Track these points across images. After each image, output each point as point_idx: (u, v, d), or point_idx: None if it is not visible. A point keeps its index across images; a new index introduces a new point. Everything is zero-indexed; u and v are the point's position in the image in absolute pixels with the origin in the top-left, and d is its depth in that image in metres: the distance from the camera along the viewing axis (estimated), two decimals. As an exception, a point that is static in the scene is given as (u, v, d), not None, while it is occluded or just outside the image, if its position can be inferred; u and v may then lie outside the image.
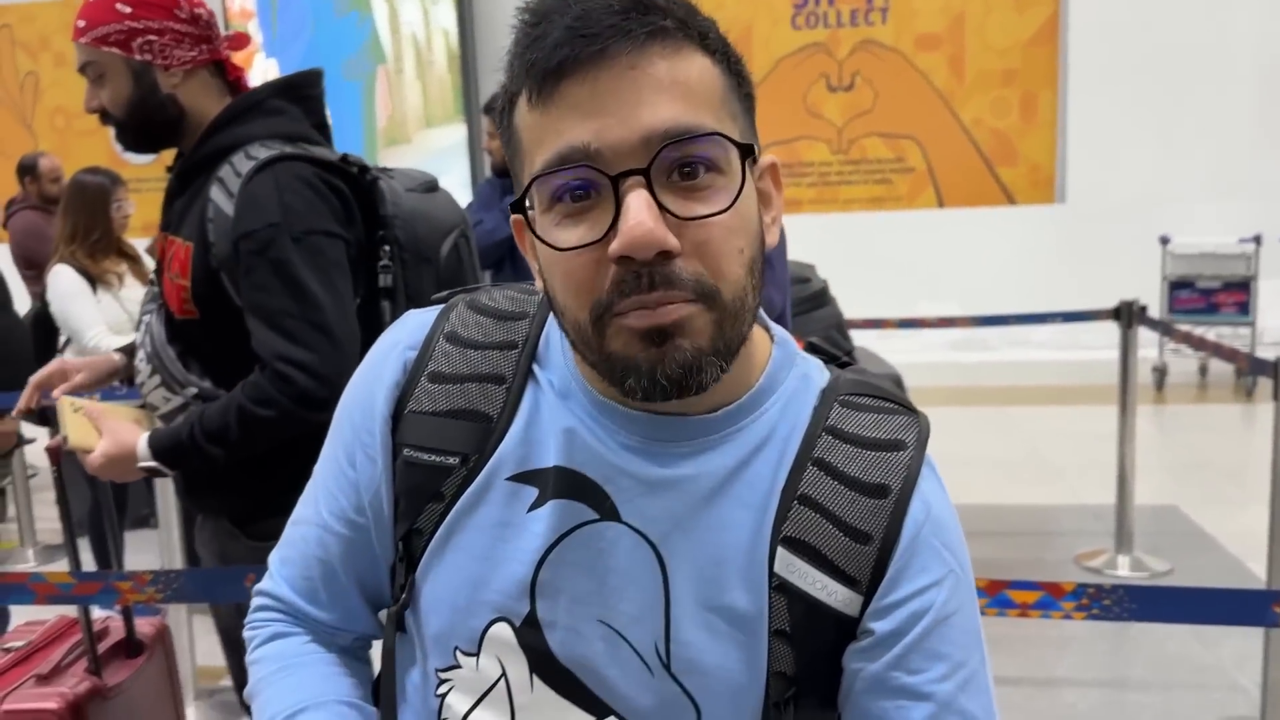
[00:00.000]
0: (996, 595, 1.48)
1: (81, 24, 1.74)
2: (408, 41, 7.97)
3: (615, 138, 0.73)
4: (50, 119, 8.47)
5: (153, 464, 1.70)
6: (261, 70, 7.82)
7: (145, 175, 7.15)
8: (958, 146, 7.89)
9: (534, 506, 0.84)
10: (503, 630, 0.84)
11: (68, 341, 3.66)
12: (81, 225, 3.67)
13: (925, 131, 7.90)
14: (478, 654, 0.85)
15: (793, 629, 0.81)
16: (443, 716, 0.88)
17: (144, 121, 1.77)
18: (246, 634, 0.98)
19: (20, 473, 4.47)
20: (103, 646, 2.13)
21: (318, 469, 0.96)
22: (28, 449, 4.39)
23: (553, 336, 0.88)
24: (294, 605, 0.96)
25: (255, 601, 0.99)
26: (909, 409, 0.87)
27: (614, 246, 0.73)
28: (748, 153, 0.77)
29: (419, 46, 7.96)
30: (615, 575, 0.82)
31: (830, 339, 0.99)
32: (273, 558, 0.99)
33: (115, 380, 2.03)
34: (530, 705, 0.84)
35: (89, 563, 3.91)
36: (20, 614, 2.91)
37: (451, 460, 0.86)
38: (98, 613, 2.14)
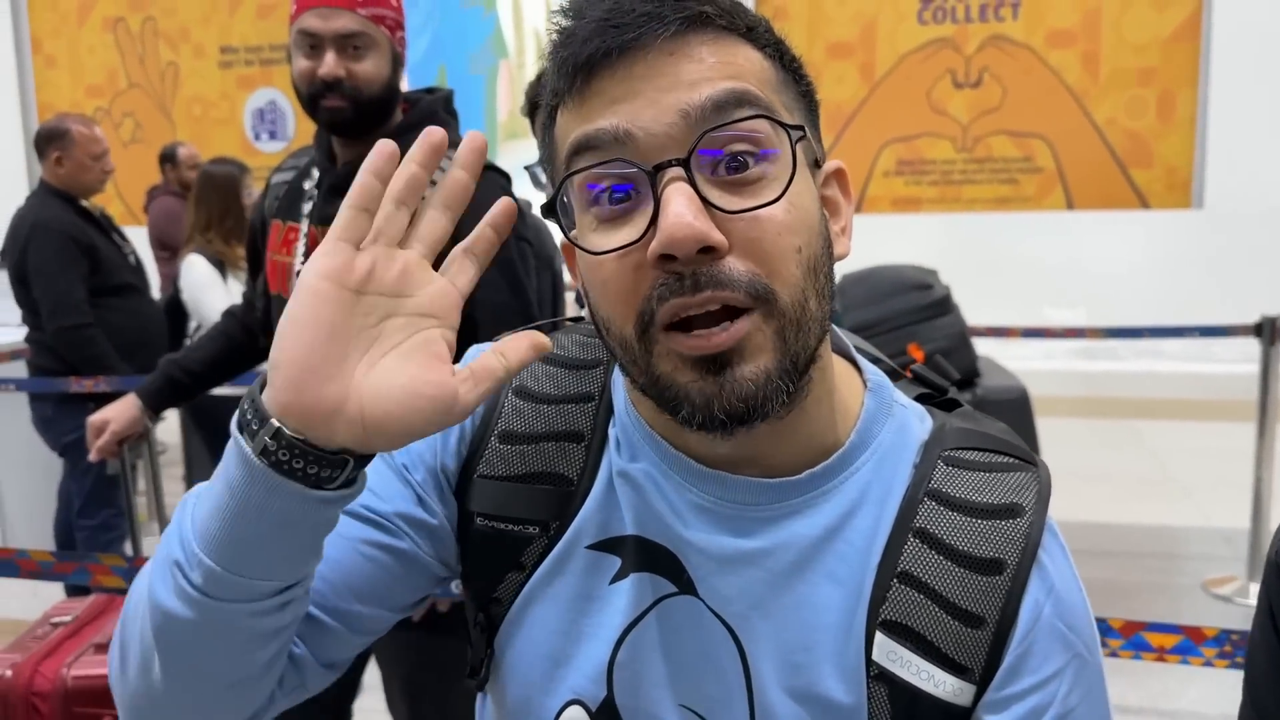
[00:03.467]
0: (1132, 637, 1.40)
1: None
2: (530, 35, 8.04)
3: (648, 118, 0.66)
4: (188, 108, 8.78)
5: None
6: (388, 62, 7.98)
7: (269, 165, 7.35)
8: (1089, 147, 7.61)
9: (616, 578, 0.77)
10: (578, 714, 0.78)
11: (198, 328, 3.79)
12: (215, 213, 3.81)
13: (1055, 131, 7.65)
14: None
15: None
16: None
17: (381, 105, 1.77)
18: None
19: (150, 448, 4.65)
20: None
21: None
22: (159, 426, 4.55)
23: (618, 383, 0.80)
24: None
25: None
26: (1026, 460, 0.77)
27: (652, 246, 0.65)
28: (799, 135, 0.69)
29: (541, 41, 8.01)
30: (697, 654, 0.75)
31: (935, 364, 0.88)
32: None
33: (138, 427, 2.06)
34: None
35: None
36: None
37: (531, 530, 0.78)
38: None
